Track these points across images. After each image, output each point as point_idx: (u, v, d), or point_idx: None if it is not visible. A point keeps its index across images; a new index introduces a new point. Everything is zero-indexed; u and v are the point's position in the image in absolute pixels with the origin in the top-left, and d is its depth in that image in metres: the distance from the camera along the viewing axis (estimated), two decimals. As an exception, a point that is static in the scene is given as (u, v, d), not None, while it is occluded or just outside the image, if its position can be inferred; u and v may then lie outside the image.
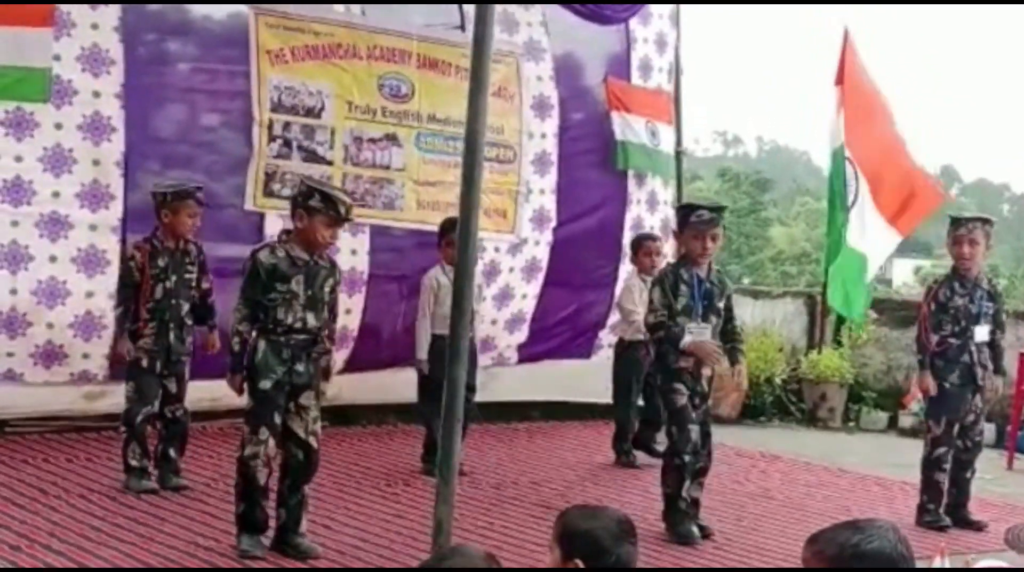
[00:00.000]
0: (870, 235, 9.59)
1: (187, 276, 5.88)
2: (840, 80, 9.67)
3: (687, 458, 5.59)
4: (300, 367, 4.90)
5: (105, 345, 6.73)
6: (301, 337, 4.90)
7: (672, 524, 5.62)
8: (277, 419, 4.85)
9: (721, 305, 5.73)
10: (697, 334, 5.62)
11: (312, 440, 4.94)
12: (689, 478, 5.63)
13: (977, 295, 6.29)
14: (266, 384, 4.82)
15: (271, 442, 4.83)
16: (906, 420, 9.40)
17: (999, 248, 41.19)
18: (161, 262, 5.81)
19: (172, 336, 5.82)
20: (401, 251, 7.75)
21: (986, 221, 6.47)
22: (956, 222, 6.39)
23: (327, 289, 4.99)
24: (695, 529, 5.62)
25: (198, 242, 6.01)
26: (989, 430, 7.93)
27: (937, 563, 4.55)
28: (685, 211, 5.81)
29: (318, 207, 4.83)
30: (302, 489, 4.98)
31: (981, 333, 6.26)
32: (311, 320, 4.92)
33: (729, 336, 5.82)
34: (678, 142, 9.26)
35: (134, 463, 5.79)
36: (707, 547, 5.61)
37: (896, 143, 9.74)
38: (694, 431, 5.61)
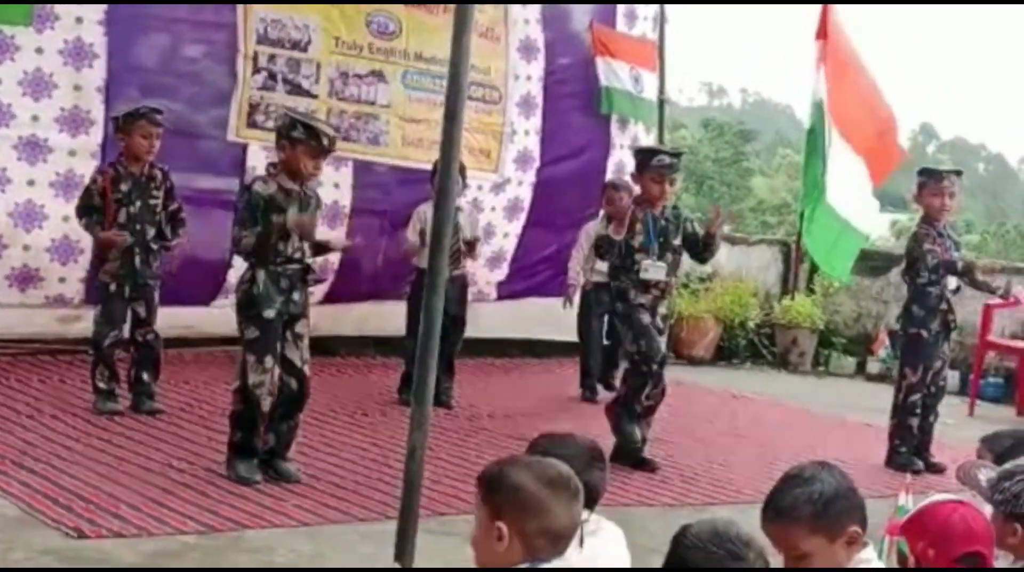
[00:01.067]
0: (854, 191, 9.64)
1: (152, 202, 5.90)
2: (821, 35, 9.71)
3: (654, 366, 5.77)
4: (297, 296, 5.01)
5: (81, 269, 6.76)
6: (297, 266, 5.01)
7: (617, 427, 5.80)
8: (279, 347, 4.95)
9: (677, 242, 5.87)
10: (654, 271, 5.76)
11: (306, 368, 5.05)
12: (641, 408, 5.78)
13: (948, 245, 6.45)
14: (270, 313, 4.91)
15: (276, 370, 4.93)
16: (874, 366, 9.62)
17: (974, 205, 41.52)
18: (124, 187, 5.83)
19: (138, 260, 5.86)
20: (384, 187, 7.79)
21: (959, 173, 6.67)
22: (936, 175, 6.53)
23: (316, 220, 5.10)
24: (638, 431, 5.79)
25: (164, 167, 6.01)
26: (953, 378, 8.14)
27: (902, 500, 4.71)
28: (645, 154, 5.95)
29: (301, 138, 4.90)
30: (295, 416, 5.09)
31: (951, 281, 6.42)
32: (307, 249, 5.03)
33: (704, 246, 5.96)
34: (661, 90, 9.31)
35: (102, 385, 5.88)
36: (675, 480, 5.77)
37: (873, 97, 9.79)
38: (662, 342, 5.81)
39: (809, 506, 2.41)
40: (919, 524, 2.70)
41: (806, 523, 2.40)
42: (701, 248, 5.99)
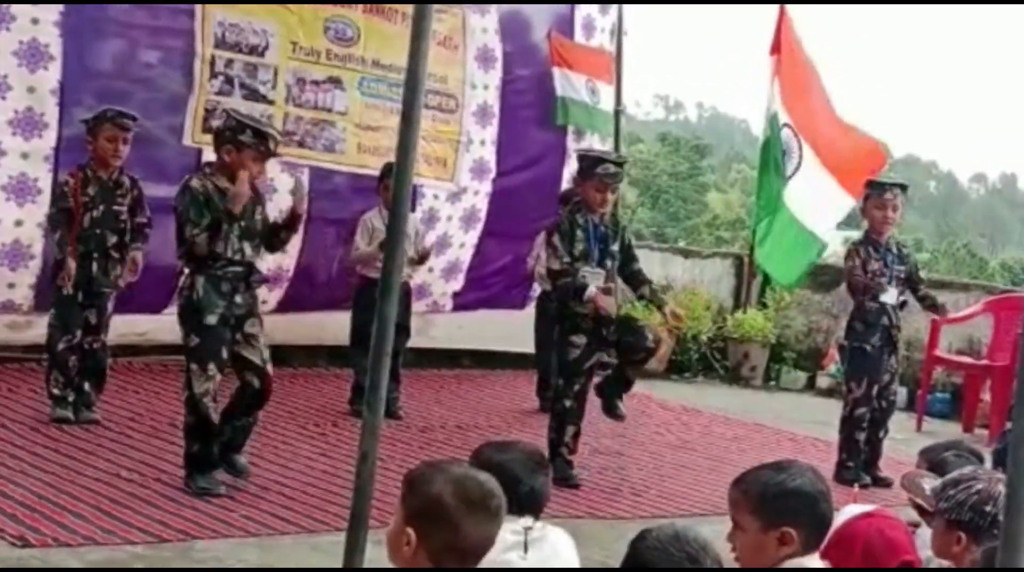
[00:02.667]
0: (818, 202, 9.71)
1: (115, 208, 5.84)
2: (775, 50, 9.84)
3: (568, 403, 5.79)
4: (239, 298, 4.96)
5: (32, 275, 6.66)
6: (239, 269, 4.96)
7: (609, 406, 5.95)
8: (225, 354, 4.90)
9: (615, 248, 5.87)
10: (592, 278, 5.76)
11: (268, 367, 5.02)
12: (573, 425, 5.83)
13: (889, 259, 6.56)
14: (211, 319, 4.87)
15: (218, 377, 4.89)
16: (824, 381, 9.72)
17: (925, 223, 42.17)
18: (91, 191, 5.76)
19: (95, 266, 5.78)
20: (340, 194, 7.76)
21: (904, 187, 6.79)
22: (880, 187, 6.64)
23: (258, 217, 5.04)
24: (574, 473, 5.80)
25: (134, 176, 5.96)
26: (901, 393, 8.26)
27: (851, 510, 4.76)
28: (590, 161, 5.91)
29: (249, 142, 4.86)
30: (254, 414, 5.07)
31: (891, 295, 6.52)
32: (248, 250, 4.98)
33: (638, 278, 5.97)
34: (618, 102, 9.37)
35: (56, 391, 5.80)
36: (625, 492, 5.80)
37: (829, 109, 9.92)
38: (579, 382, 5.81)
39: (760, 488, 2.50)
40: (842, 549, 2.74)
41: (751, 500, 2.50)
42: (628, 275, 6.00)
